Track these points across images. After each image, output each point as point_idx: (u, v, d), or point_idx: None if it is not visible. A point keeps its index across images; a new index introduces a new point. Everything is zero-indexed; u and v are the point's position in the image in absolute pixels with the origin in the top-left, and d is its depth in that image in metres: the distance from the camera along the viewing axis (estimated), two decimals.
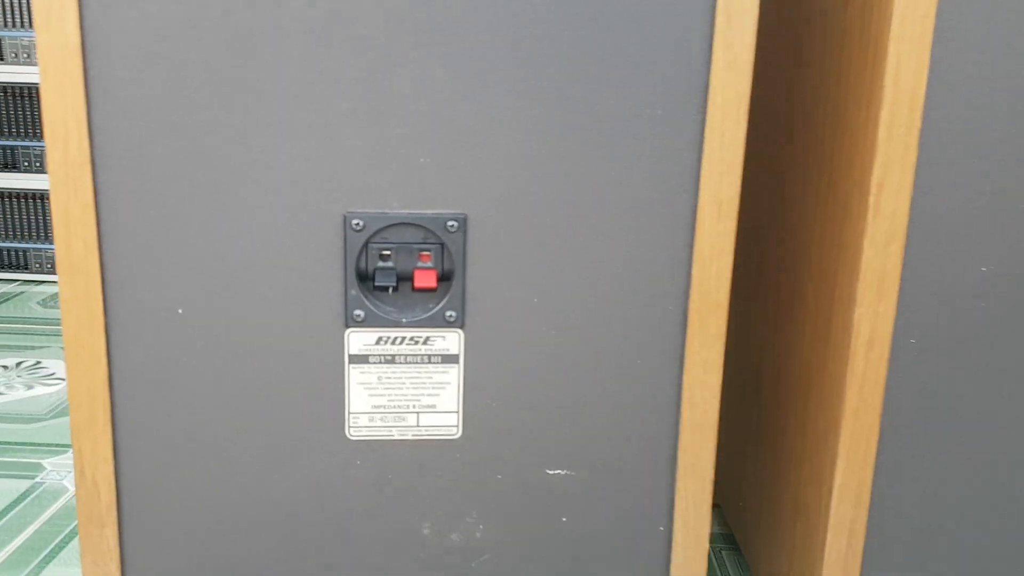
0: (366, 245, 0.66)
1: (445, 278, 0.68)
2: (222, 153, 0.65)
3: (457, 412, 0.71)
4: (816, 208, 0.77)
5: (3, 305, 1.78)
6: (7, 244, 1.88)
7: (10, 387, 1.41)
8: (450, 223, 0.66)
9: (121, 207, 0.65)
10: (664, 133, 0.66)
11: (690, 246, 0.68)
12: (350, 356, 0.69)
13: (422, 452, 0.72)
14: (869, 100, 0.68)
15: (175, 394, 0.69)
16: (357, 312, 0.68)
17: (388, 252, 0.67)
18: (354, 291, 0.67)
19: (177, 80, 0.63)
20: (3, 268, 1.90)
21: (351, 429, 0.71)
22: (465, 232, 0.67)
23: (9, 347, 1.57)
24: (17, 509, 1.07)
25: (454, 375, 0.70)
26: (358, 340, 0.69)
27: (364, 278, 0.67)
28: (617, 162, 0.67)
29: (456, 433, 0.72)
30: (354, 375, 0.69)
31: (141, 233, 0.65)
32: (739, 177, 0.67)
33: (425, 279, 0.67)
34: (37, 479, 1.14)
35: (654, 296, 0.69)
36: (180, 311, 0.67)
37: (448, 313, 0.68)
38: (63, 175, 0.64)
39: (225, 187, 0.65)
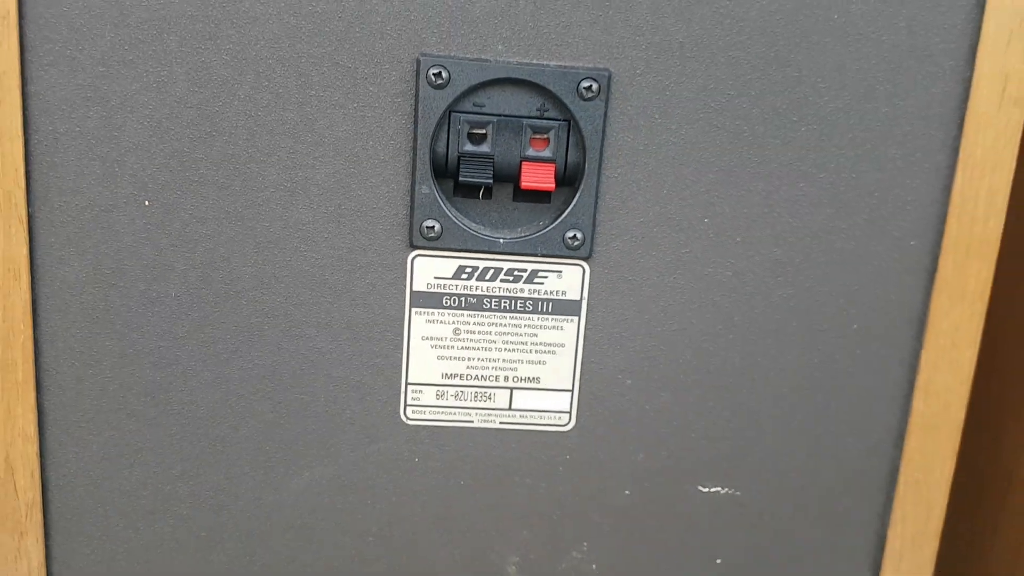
0: (449, 113, 0.41)
1: (568, 178, 0.43)
2: None
3: (571, 391, 0.46)
4: None
5: None
6: None
7: None
8: (586, 84, 0.41)
9: None
10: None
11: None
12: (413, 294, 0.44)
13: (513, 449, 0.47)
14: None
15: (118, 323, 0.43)
16: (429, 223, 0.43)
17: (483, 130, 0.42)
18: (427, 188, 0.42)
19: None
20: None
21: (408, 409, 0.46)
22: (607, 101, 0.42)
23: None
24: None
25: (571, 333, 0.45)
26: (428, 269, 0.44)
27: (444, 169, 0.42)
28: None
29: (567, 423, 0.47)
30: (418, 325, 0.44)
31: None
32: None
33: (538, 176, 0.42)
34: None
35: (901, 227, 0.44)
36: (147, 203, 0.42)
37: (571, 235, 0.43)
38: None
39: None
